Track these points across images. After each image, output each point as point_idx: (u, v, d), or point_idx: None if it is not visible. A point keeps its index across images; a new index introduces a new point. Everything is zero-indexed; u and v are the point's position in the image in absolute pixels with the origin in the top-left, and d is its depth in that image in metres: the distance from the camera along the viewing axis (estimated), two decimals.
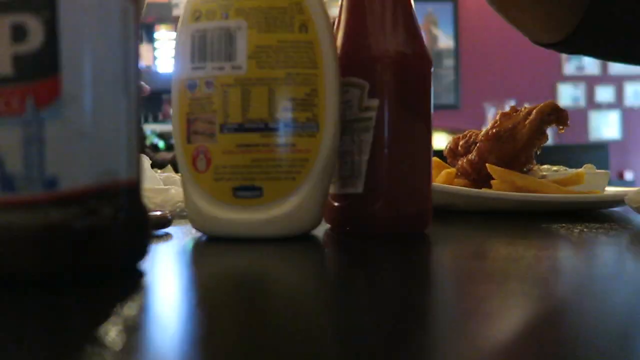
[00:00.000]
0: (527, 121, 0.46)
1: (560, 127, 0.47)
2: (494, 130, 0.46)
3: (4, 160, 0.17)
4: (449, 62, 3.72)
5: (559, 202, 0.42)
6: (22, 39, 0.17)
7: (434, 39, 3.71)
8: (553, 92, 3.45)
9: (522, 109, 0.48)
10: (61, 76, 0.18)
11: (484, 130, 0.49)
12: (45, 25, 0.18)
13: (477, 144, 0.47)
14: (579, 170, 0.49)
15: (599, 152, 2.31)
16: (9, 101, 0.17)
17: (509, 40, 3.74)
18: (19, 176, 0.17)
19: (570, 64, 3.72)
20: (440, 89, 3.59)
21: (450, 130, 2.61)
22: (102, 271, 0.19)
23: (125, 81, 0.19)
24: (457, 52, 3.70)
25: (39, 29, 0.17)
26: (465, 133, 0.50)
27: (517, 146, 0.45)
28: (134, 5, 0.19)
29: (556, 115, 0.46)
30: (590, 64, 3.76)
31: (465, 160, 0.48)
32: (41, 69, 0.18)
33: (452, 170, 0.48)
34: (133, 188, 0.19)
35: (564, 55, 3.83)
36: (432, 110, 0.33)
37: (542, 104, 0.47)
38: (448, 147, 0.51)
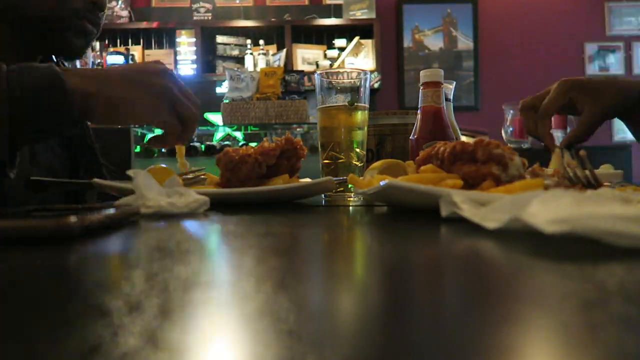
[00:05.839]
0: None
1: None
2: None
3: None
4: (468, 64, 3.67)
5: None
6: None
7: (453, 40, 3.66)
8: None
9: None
10: None
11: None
12: None
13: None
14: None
15: (621, 153, 2.29)
16: None
17: (529, 41, 3.68)
18: None
19: (594, 65, 3.66)
20: (460, 91, 3.56)
21: (470, 132, 2.57)
22: None
23: None
24: (476, 54, 3.65)
25: None
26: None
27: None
28: None
29: None
30: (615, 65, 3.70)
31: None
32: None
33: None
34: None
35: (586, 55, 3.76)
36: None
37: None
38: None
